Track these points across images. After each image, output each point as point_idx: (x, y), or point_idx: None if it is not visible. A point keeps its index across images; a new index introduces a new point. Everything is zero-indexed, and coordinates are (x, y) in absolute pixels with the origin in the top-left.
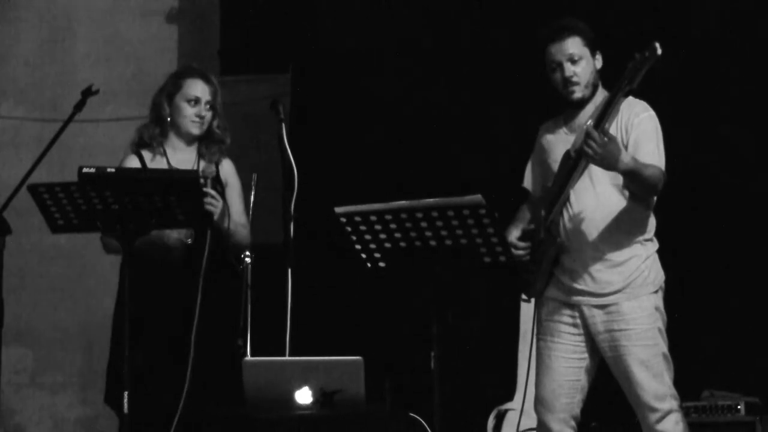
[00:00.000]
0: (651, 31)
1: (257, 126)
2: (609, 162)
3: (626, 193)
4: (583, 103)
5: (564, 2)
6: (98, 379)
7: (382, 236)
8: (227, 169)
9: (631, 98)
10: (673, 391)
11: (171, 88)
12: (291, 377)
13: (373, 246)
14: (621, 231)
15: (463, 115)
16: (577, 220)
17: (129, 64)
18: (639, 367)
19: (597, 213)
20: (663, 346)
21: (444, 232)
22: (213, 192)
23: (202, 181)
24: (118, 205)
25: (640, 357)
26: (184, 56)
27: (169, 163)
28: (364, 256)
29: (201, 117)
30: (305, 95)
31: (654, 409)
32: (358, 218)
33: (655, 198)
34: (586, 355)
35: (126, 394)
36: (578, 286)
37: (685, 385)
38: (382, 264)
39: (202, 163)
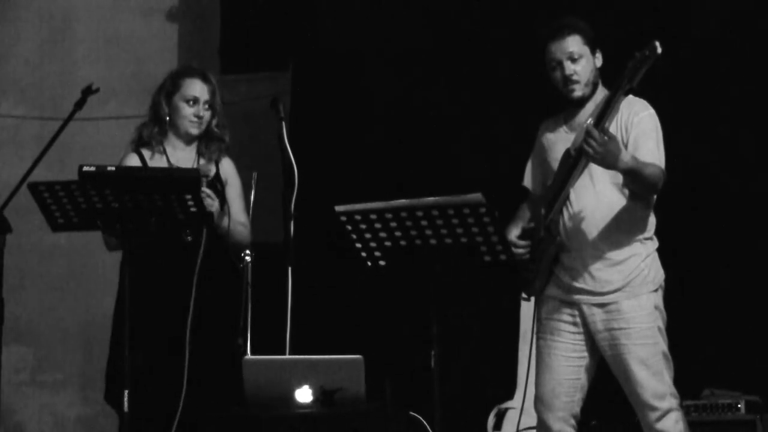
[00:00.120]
0: (651, 30)
1: (257, 125)
2: (609, 161)
3: (626, 191)
4: (583, 101)
5: (564, 2)
6: (98, 377)
7: (383, 235)
8: (227, 168)
9: (631, 97)
10: (672, 389)
11: (169, 88)
12: (291, 376)
13: (373, 245)
14: (621, 230)
15: (463, 114)
16: (577, 218)
17: (129, 62)
18: (639, 366)
19: (597, 212)
20: (663, 345)
21: (444, 231)
22: (208, 191)
23: None
24: (118, 204)
25: (639, 356)
26: (185, 55)
27: (168, 161)
28: (364, 254)
29: (199, 117)
30: (305, 94)
31: (654, 408)
32: (358, 217)
33: (655, 197)
34: (585, 353)
35: (126, 392)
36: (578, 284)
37: (685, 383)
38: (382, 263)
39: (202, 162)
